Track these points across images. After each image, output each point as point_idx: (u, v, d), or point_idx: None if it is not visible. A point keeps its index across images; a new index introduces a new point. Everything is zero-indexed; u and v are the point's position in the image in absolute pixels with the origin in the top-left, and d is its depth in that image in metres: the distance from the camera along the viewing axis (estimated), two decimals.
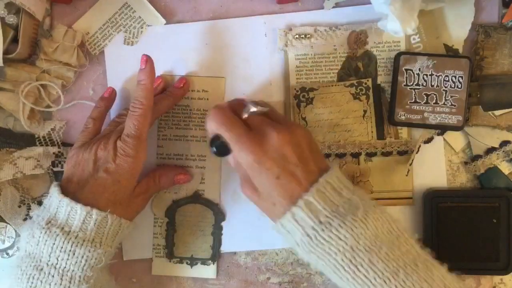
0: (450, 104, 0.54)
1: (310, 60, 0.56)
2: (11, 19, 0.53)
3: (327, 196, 0.43)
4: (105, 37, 0.57)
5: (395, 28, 0.51)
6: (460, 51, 0.55)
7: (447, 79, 0.54)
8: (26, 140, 0.57)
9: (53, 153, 0.56)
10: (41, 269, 0.45)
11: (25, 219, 0.57)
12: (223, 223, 0.57)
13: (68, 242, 0.45)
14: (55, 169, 0.56)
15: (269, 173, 0.44)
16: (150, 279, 0.58)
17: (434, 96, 0.54)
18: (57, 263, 0.45)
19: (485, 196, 0.55)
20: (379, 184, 0.57)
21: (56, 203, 0.47)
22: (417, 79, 0.54)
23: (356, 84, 0.56)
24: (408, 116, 0.54)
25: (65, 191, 0.48)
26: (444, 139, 0.56)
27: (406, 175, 0.56)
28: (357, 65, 0.56)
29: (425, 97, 0.54)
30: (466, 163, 0.56)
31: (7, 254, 0.58)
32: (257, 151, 0.44)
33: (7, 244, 0.58)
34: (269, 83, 0.57)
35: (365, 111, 0.56)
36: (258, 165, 0.44)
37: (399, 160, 0.56)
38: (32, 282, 0.45)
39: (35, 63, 0.55)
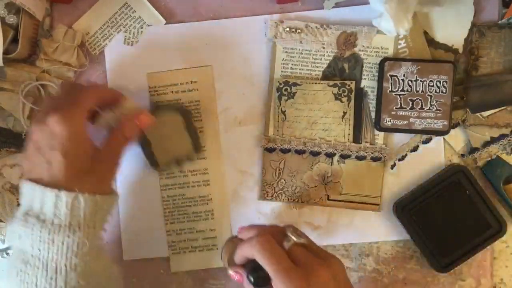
0: (435, 109, 0.54)
1: (297, 54, 0.56)
2: (11, 19, 0.53)
3: None
4: (105, 37, 0.57)
5: (388, 27, 0.51)
6: (460, 51, 0.55)
7: (432, 84, 0.54)
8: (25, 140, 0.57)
9: None
10: (27, 262, 0.44)
11: None
12: (190, 99, 0.57)
13: (46, 231, 0.43)
14: None
15: None
16: (150, 279, 0.58)
17: (419, 101, 0.54)
18: (39, 254, 0.44)
19: (444, 180, 0.55)
20: (348, 186, 0.57)
21: (30, 192, 0.45)
22: (402, 84, 0.54)
23: (339, 85, 0.56)
24: (394, 121, 0.55)
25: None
26: (444, 139, 0.57)
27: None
28: (343, 66, 0.56)
29: (411, 103, 0.54)
30: (462, 155, 0.57)
31: (7, 254, 0.58)
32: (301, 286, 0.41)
33: (7, 244, 0.58)
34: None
35: (344, 113, 0.56)
36: None
37: (371, 166, 0.56)
38: (21, 276, 0.44)
39: (35, 63, 0.55)
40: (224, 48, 0.57)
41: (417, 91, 0.54)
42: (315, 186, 0.57)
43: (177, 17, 0.57)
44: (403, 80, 0.54)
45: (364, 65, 0.56)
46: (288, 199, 0.57)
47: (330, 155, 0.57)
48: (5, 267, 0.57)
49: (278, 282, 0.41)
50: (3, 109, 0.55)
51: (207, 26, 0.57)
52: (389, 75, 0.54)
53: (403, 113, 0.54)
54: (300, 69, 0.56)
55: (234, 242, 0.48)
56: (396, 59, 0.54)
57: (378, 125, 0.55)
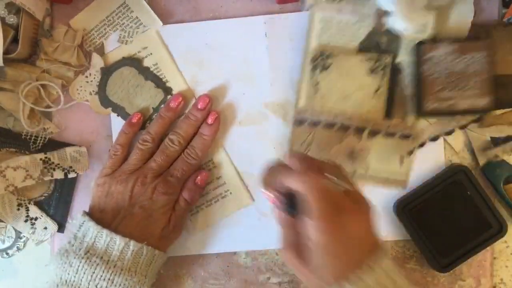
0: (478, 86, 0.52)
1: (335, 25, 0.55)
2: (11, 19, 0.53)
3: (378, 276, 0.40)
4: (101, 35, 0.57)
5: (401, 26, 0.50)
6: None
7: (471, 62, 0.52)
8: (25, 140, 0.57)
9: (40, 159, 0.55)
10: None
11: (26, 221, 0.57)
12: (146, 63, 0.57)
13: (108, 271, 0.47)
14: (45, 178, 0.55)
15: (337, 259, 0.41)
16: None
17: (460, 81, 0.52)
18: None
19: (445, 179, 0.55)
20: (376, 162, 0.55)
21: (94, 233, 0.49)
22: (440, 66, 0.53)
23: (376, 59, 0.55)
24: (437, 105, 0.53)
25: (99, 221, 0.50)
26: (444, 139, 0.57)
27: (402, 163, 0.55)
28: (380, 40, 0.55)
29: (451, 83, 0.53)
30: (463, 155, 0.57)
31: (7, 254, 0.58)
32: (334, 235, 0.40)
33: (7, 244, 0.58)
34: (270, 84, 0.57)
35: (378, 88, 0.55)
36: (329, 249, 0.40)
37: (400, 144, 0.55)
38: None
39: (35, 63, 0.55)
40: (224, 48, 0.57)
41: (456, 71, 0.53)
42: (342, 161, 0.55)
43: (177, 17, 0.57)
44: (441, 61, 0.53)
45: (402, 40, 0.55)
46: None
47: (360, 130, 0.55)
48: (8, 268, 0.58)
49: (314, 220, 0.40)
50: (3, 109, 0.55)
51: (207, 26, 0.57)
52: (427, 57, 0.53)
53: (445, 95, 0.53)
54: (336, 40, 0.55)
55: (279, 167, 0.46)
56: (433, 41, 0.53)
57: (420, 110, 0.53)
